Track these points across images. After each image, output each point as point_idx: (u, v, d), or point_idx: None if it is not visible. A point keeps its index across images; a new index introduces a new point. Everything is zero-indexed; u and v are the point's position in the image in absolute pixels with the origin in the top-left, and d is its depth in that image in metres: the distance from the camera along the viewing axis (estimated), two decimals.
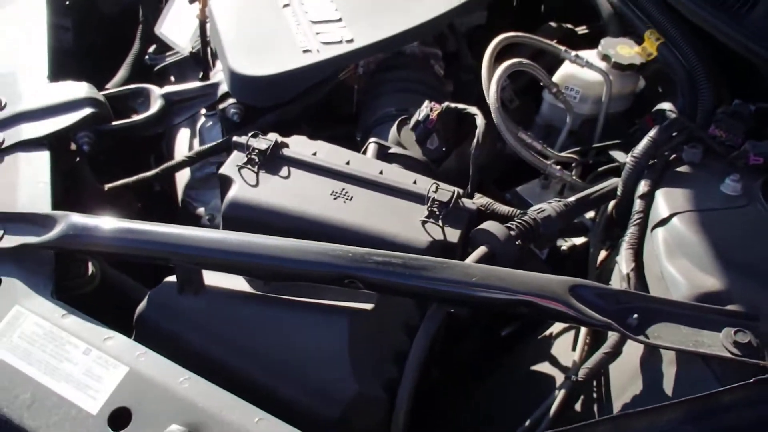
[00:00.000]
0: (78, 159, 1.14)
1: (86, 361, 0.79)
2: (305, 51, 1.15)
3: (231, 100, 1.18)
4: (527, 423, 0.82)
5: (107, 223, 0.86)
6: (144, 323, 0.87)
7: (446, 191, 0.91)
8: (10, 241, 0.89)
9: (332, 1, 1.25)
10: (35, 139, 1.06)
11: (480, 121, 1.01)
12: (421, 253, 0.84)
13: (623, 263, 0.86)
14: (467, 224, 0.90)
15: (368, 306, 0.82)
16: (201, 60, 1.36)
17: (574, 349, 0.89)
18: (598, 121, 1.19)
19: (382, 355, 0.83)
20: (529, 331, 1.08)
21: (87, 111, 1.10)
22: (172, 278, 0.86)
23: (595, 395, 0.86)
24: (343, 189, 0.92)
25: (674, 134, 0.98)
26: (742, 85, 1.12)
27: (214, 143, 1.17)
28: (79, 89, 1.13)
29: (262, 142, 0.94)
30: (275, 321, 0.83)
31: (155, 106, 1.18)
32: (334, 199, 0.91)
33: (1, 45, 1.26)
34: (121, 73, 1.52)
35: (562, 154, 1.12)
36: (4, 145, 1.05)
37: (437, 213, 0.89)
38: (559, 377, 0.90)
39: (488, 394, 1.02)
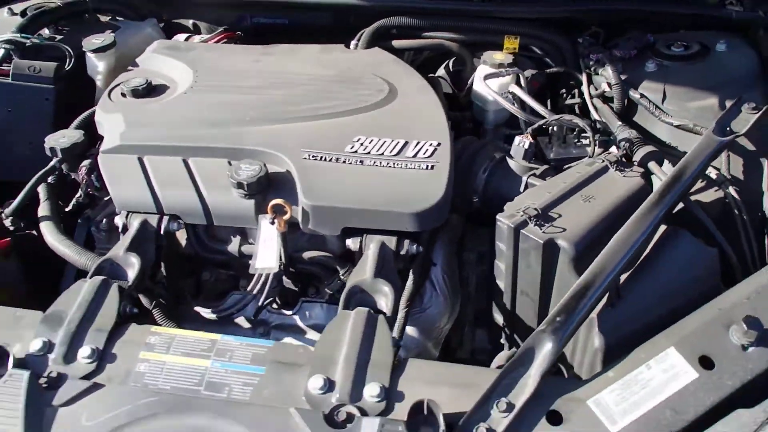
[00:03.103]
0: None
1: None
2: (431, 167, 1.42)
3: (407, 242, 1.39)
4: None
5: None
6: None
7: (611, 154, 1.43)
8: None
9: (370, 140, 1.48)
10: None
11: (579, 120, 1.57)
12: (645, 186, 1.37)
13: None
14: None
15: None
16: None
17: None
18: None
19: None
20: None
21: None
22: None
23: None
24: (582, 195, 1.34)
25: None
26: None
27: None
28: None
29: (531, 211, 1.29)
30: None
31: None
32: (589, 201, 1.33)
33: None
34: None
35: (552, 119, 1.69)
36: None
37: (623, 168, 1.41)
38: None
39: None
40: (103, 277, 1.28)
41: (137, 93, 1.69)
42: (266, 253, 1.42)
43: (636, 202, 1.33)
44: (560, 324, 1.11)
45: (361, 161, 1.45)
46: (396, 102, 1.61)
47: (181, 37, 2.04)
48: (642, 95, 1.62)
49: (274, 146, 1.49)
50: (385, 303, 1.27)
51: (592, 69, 1.74)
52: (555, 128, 1.67)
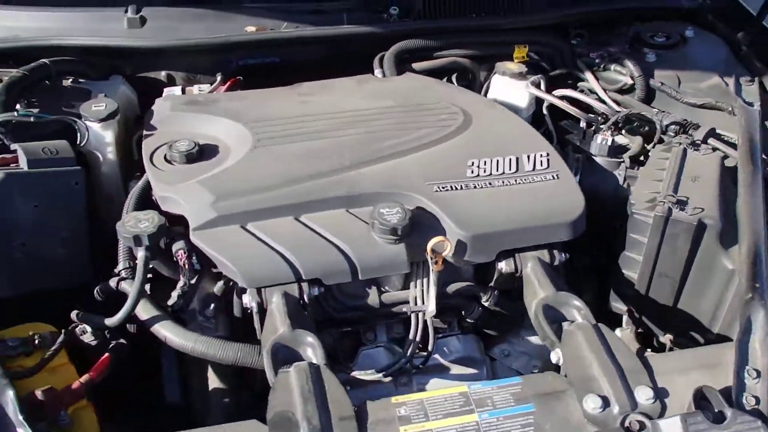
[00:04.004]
0: None
1: None
2: (556, 176, 1.46)
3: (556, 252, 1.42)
4: None
5: None
6: None
7: (683, 137, 1.61)
8: None
9: (484, 162, 1.47)
10: None
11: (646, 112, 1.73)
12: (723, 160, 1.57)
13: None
14: None
15: None
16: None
17: None
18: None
19: None
20: None
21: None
22: None
23: None
24: (688, 177, 1.49)
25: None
26: None
27: None
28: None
29: (671, 198, 1.40)
30: None
31: None
32: (696, 181, 1.48)
33: None
34: None
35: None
36: None
37: (696, 148, 1.59)
38: None
39: None
40: (306, 362, 1.15)
41: (191, 158, 1.49)
42: (429, 296, 1.37)
43: (726, 174, 1.53)
44: (762, 289, 1.25)
45: (490, 183, 1.46)
46: (478, 121, 1.63)
47: (175, 90, 1.82)
48: (662, 82, 1.83)
49: (397, 185, 1.43)
50: (578, 314, 1.30)
51: (601, 66, 1.92)
52: (585, 123, 1.82)
